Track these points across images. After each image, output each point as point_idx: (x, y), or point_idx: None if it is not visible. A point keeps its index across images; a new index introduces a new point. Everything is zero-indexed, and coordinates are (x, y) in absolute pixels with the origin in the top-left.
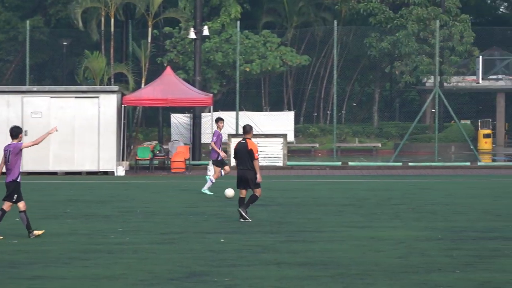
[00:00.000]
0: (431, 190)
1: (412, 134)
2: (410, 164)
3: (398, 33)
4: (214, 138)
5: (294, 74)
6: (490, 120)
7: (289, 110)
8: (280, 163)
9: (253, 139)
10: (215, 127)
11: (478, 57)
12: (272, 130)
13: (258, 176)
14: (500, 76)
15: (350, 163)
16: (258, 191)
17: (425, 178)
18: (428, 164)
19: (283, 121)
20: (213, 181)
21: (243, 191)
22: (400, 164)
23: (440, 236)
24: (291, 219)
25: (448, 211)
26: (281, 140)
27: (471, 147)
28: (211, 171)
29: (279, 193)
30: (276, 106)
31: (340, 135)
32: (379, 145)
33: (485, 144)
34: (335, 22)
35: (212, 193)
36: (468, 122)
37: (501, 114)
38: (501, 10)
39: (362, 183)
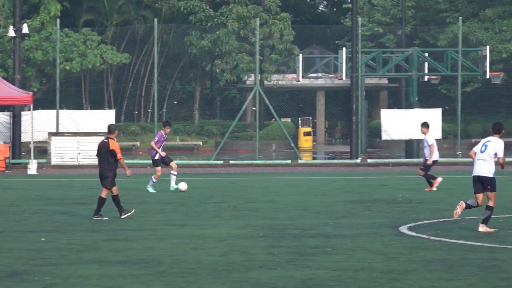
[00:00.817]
0: (253, 188)
1: (233, 132)
2: (231, 162)
3: (218, 31)
4: (156, 138)
5: (115, 73)
6: (311, 118)
7: (110, 108)
8: None
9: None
10: (39, 126)
11: (298, 55)
12: (93, 129)
13: (127, 172)
14: (320, 74)
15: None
16: (114, 190)
17: (246, 176)
18: (249, 162)
19: (104, 120)
20: (154, 180)
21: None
22: (221, 162)
23: (261, 234)
24: (113, 217)
25: (269, 209)
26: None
27: (292, 145)
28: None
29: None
30: (97, 104)
31: None
32: (200, 143)
33: (305, 142)
34: (156, 20)
35: (154, 191)
36: (289, 120)
37: (321, 112)
38: (320, 8)
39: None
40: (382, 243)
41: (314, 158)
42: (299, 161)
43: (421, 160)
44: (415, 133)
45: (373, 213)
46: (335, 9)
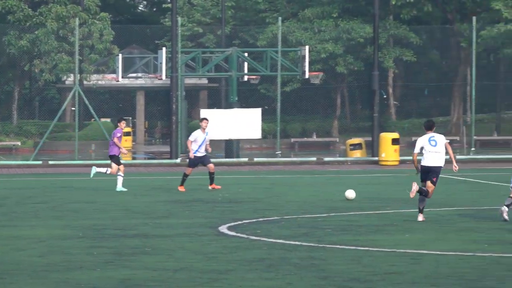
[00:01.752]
0: (72, 188)
1: (53, 132)
2: (50, 162)
3: (37, 31)
4: (118, 134)
5: None
6: (130, 118)
7: None
8: None
9: None
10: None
11: (118, 55)
12: None
13: None
14: (139, 74)
15: None
16: None
17: (66, 176)
18: (68, 162)
19: None
20: (114, 174)
21: None
22: (40, 162)
23: (81, 234)
24: None
25: (89, 209)
26: None
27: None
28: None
29: None
30: None
31: None
32: (19, 143)
33: (125, 142)
34: None
35: (126, 189)
36: (109, 120)
37: (141, 112)
38: (140, 8)
39: (1, 182)
40: (202, 243)
41: (133, 158)
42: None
43: (242, 159)
44: (235, 133)
45: (193, 213)
46: (155, 9)
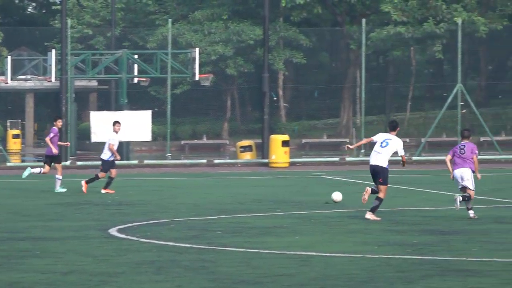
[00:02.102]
0: None
1: None
2: None
3: None
4: (51, 134)
5: None
6: (20, 120)
7: None
8: None
9: None
10: None
11: (7, 57)
12: None
13: None
14: (29, 77)
15: None
16: None
17: None
18: None
19: None
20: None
21: None
22: None
23: None
24: None
25: None
26: None
27: (0, 147)
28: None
29: None
30: None
31: None
32: None
33: (14, 144)
34: None
35: (65, 189)
36: None
37: (30, 115)
38: (29, 10)
39: None
40: (92, 245)
41: (23, 161)
42: (7, 164)
43: (132, 162)
44: (125, 135)
45: (83, 216)
46: (44, 11)
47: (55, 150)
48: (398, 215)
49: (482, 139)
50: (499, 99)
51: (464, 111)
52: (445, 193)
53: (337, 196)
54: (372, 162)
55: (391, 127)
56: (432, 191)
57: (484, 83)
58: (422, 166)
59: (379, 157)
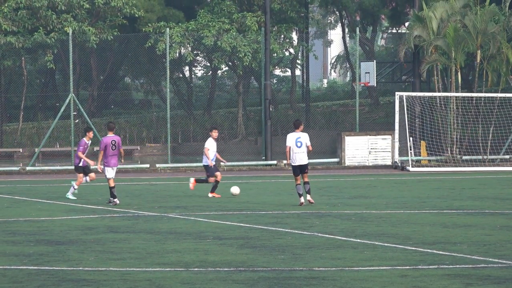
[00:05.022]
0: None
1: None
2: None
3: None
4: (81, 147)
5: None
6: None
7: None
8: None
9: None
10: None
11: None
12: None
13: None
14: None
15: None
16: None
17: None
18: None
19: None
20: (76, 187)
21: None
22: None
23: None
24: None
25: None
26: None
27: None
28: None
29: None
30: None
31: None
32: None
33: None
34: None
35: (75, 198)
36: None
37: None
38: None
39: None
40: None
41: None
42: None
43: None
44: None
45: None
46: None
47: (92, 162)
48: (13, 225)
49: (96, 148)
50: (111, 109)
51: (77, 121)
52: (60, 203)
53: (235, 190)
54: (298, 163)
55: (296, 125)
56: (47, 201)
57: (97, 93)
58: (36, 176)
59: (303, 157)
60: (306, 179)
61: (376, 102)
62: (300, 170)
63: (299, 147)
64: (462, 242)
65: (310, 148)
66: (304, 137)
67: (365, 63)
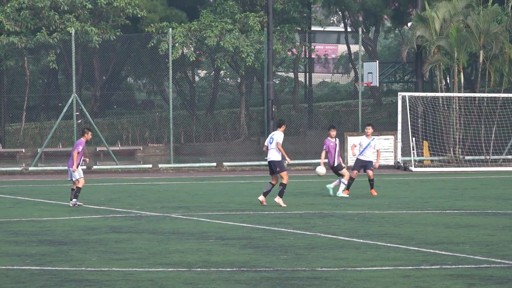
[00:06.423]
0: None
1: None
2: None
3: None
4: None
5: None
6: None
7: None
8: None
9: None
10: None
11: None
12: None
13: None
14: None
15: None
16: None
17: None
18: None
19: None
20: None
21: None
22: None
23: None
24: None
25: None
26: None
27: None
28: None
29: None
30: None
31: None
32: None
33: None
34: None
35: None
36: None
37: None
38: None
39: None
40: None
41: None
42: None
43: None
44: None
45: None
46: None
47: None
48: (16, 225)
49: (98, 149)
50: (114, 109)
51: (79, 121)
52: (62, 203)
53: (320, 169)
54: (269, 159)
55: (278, 124)
56: (49, 201)
57: (99, 93)
58: (39, 177)
59: (272, 153)
60: (283, 180)
61: (379, 102)
62: (271, 168)
63: (271, 143)
64: (465, 242)
65: (279, 146)
66: (278, 136)
67: (367, 63)
